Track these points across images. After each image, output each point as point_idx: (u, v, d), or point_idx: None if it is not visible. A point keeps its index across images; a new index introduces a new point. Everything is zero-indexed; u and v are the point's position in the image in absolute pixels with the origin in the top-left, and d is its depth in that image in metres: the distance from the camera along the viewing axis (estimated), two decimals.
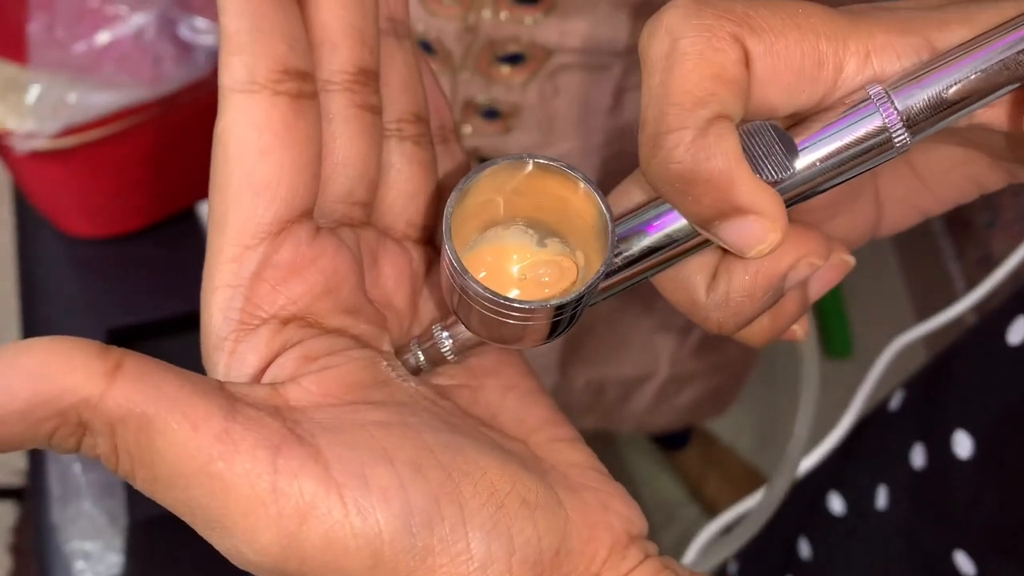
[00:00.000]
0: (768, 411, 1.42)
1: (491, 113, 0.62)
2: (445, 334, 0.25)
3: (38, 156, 0.65)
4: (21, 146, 0.63)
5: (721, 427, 1.40)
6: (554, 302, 0.22)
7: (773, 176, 0.22)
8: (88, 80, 0.64)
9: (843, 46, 0.22)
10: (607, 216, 0.23)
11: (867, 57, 0.22)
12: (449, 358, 0.25)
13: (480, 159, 0.65)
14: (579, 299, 0.22)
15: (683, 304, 0.26)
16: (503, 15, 0.56)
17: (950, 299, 0.55)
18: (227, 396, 0.21)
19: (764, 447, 1.38)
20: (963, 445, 0.42)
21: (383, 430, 0.21)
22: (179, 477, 0.20)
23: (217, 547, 0.21)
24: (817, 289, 0.27)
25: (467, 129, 0.64)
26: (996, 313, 0.43)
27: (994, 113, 0.23)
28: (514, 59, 0.59)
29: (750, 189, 0.21)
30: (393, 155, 0.26)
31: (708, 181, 0.21)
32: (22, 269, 0.73)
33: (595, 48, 0.58)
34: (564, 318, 0.23)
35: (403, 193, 0.26)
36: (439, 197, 0.27)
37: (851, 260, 0.27)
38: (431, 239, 0.27)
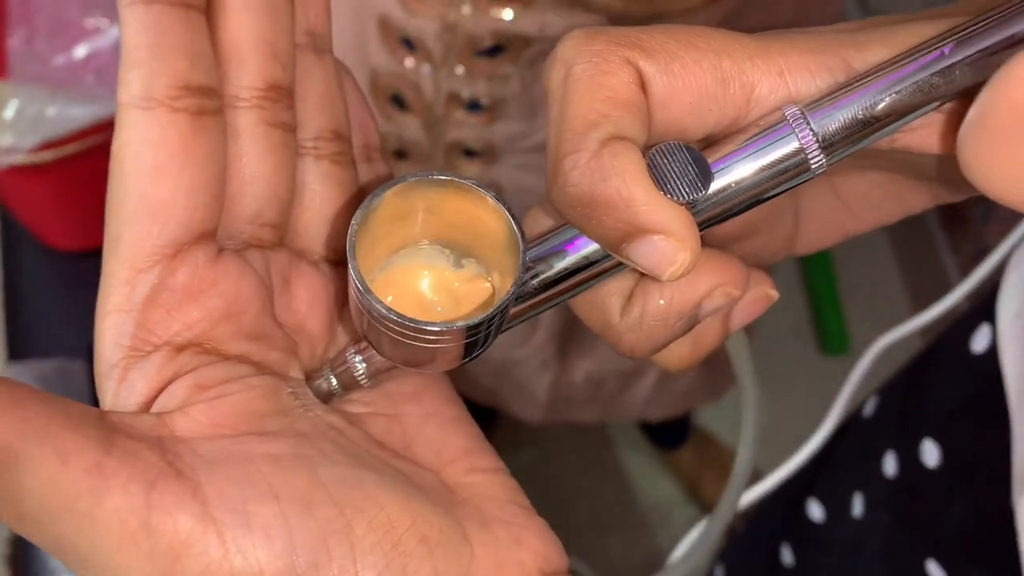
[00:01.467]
0: (766, 408, 1.41)
1: (474, 106, 0.62)
2: (358, 358, 0.24)
3: (18, 170, 0.65)
4: (0, 160, 0.63)
5: (718, 426, 1.39)
6: (461, 323, 0.21)
7: (686, 197, 0.21)
8: (67, 93, 0.64)
9: (751, 65, 0.22)
10: (518, 235, 0.22)
11: (780, 76, 0.22)
12: (363, 383, 0.24)
13: (466, 152, 0.65)
14: (489, 320, 0.22)
15: (597, 325, 0.25)
16: (482, 11, 0.56)
17: (945, 290, 0.55)
18: (105, 428, 0.20)
19: (761, 446, 1.38)
20: (931, 454, 0.42)
21: (272, 464, 0.20)
22: (46, 513, 0.19)
23: None
24: (738, 320, 0.27)
25: (464, 137, 0.64)
26: (961, 321, 0.43)
27: (920, 135, 0.22)
28: (493, 51, 0.59)
29: (651, 208, 0.21)
30: (308, 175, 0.25)
31: (606, 203, 0.21)
32: (4, 281, 0.73)
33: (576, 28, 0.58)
34: (478, 339, 0.22)
35: (319, 214, 0.25)
36: None
37: (774, 294, 0.26)
38: (340, 258, 0.26)
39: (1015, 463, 0.35)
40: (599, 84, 0.21)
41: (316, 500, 0.20)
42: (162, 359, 0.22)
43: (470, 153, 0.65)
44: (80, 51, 0.65)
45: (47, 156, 0.64)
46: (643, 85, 0.21)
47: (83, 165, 0.66)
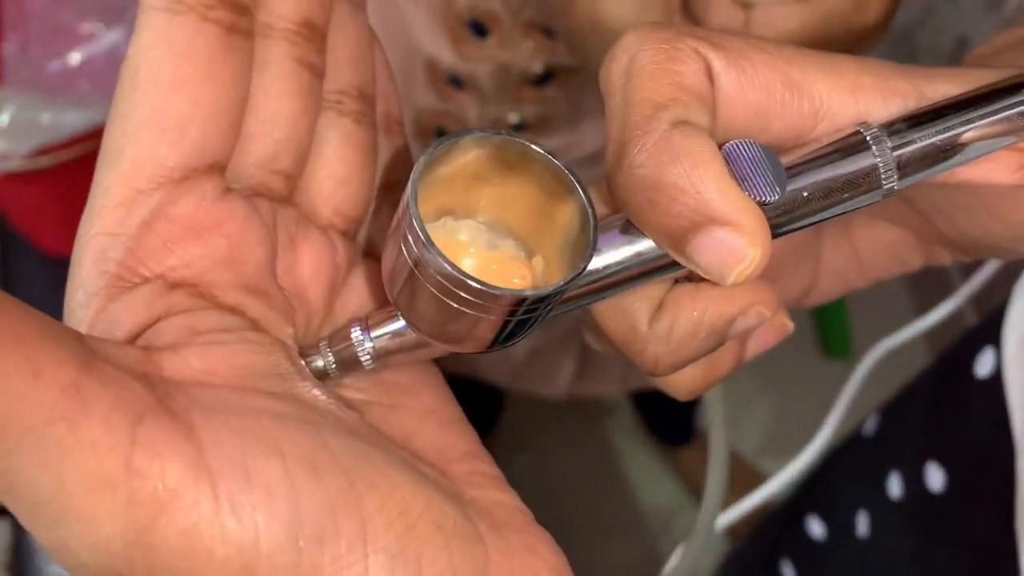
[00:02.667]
0: (769, 412, 1.41)
1: (519, 127, 0.61)
2: (365, 335, 0.22)
3: (12, 176, 0.64)
4: None
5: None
6: (528, 292, 0.19)
7: (761, 196, 0.20)
8: (62, 99, 0.64)
9: (822, 78, 0.21)
10: (590, 214, 0.20)
11: (852, 94, 0.21)
12: (366, 364, 0.22)
13: None
14: (549, 295, 0.19)
15: (621, 332, 0.24)
16: (537, 49, 0.55)
17: (948, 294, 0.54)
18: (85, 348, 0.16)
19: (765, 448, 1.37)
20: (935, 478, 0.41)
21: (276, 421, 0.18)
22: (5, 436, 0.15)
23: (40, 540, 0.16)
24: (753, 348, 0.26)
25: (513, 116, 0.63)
26: (964, 343, 0.42)
27: (984, 168, 0.22)
28: (542, 79, 0.58)
29: (724, 196, 0.19)
30: (329, 130, 0.23)
31: (675, 185, 0.19)
32: (1, 287, 0.72)
33: None
34: (521, 320, 0.20)
35: (334, 174, 0.23)
36: (372, 187, 0.24)
37: (790, 325, 0.25)
38: (356, 234, 0.24)
39: (1019, 490, 0.35)
40: (667, 70, 0.20)
41: (325, 465, 0.17)
42: (151, 294, 0.19)
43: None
44: (75, 57, 0.64)
45: (42, 162, 0.64)
46: (711, 77, 0.20)
47: (78, 171, 0.66)
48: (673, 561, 0.46)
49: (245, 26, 0.20)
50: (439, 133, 0.61)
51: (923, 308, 0.53)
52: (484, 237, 0.22)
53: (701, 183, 0.19)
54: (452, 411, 0.24)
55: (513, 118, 0.60)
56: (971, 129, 0.21)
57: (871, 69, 0.21)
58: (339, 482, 0.17)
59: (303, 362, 0.22)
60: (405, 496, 0.18)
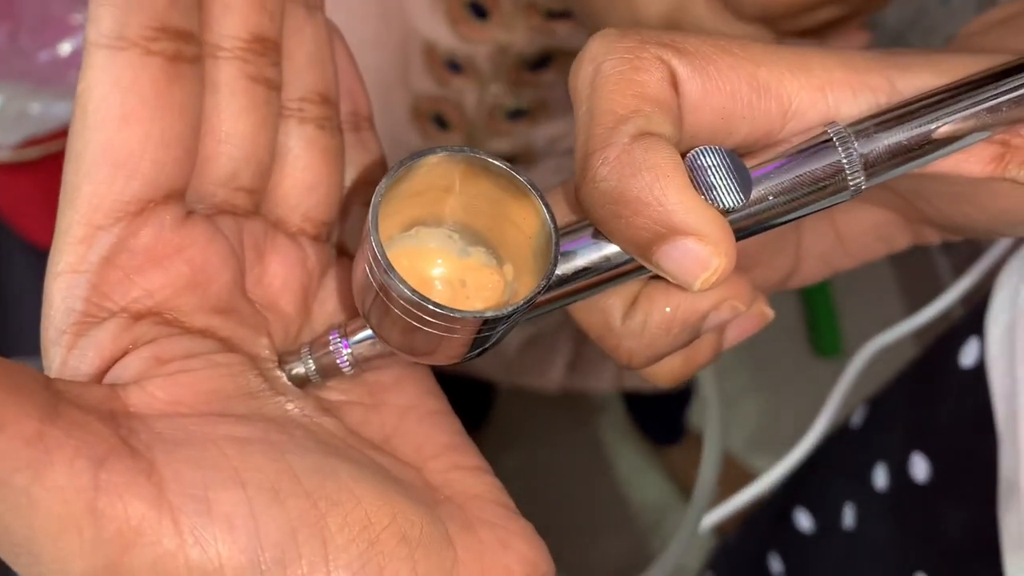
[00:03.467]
0: (758, 410, 1.41)
1: (516, 114, 0.61)
2: (343, 343, 0.22)
3: (1, 167, 0.64)
4: None
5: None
6: (489, 314, 0.20)
7: (725, 204, 0.20)
8: (52, 90, 0.63)
9: (790, 77, 0.21)
10: (551, 228, 0.20)
11: (821, 91, 0.21)
12: (345, 371, 0.22)
13: (504, 158, 0.63)
14: (512, 314, 0.20)
15: (596, 328, 0.24)
16: (536, 31, 0.55)
17: (937, 293, 0.55)
18: (50, 395, 0.17)
19: (754, 446, 1.38)
20: (920, 468, 0.41)
21: (237, 447, 0.18)
22: None
23: None
24: (733, 337, 0.26)
25: (503, 146, 0.63)
26: (950, 334, 0.42)
27: (954, 161, 0.22)
28: (540, 63, 0.58)
29: (685, 206, 0.19)
30: (291, 138, 0.23)
31: (637, 200, 0.19)
32: None
33: None
34: (491, 334, 0.21)
35: (300, 182, 0.23)
36: (342, 189, 0.24)
37: (770, 312, 0.26)
38: (329, 237, 0.25)
39: (1001, 479, 0.35)
40: (630, 80, 0.20)
41: (286, 489, 0.18)
42: (117, 327, 0.20)
43: (508, 159, 0.63)
44: (65, 47, 0.64)
45: (31, 153, 0.64)
46: (675, 85, 0.20)
47: None
48: (662, 557, 0.46)
49: (191, 53, 0.21)
50: (436, 119, 0.61)
51: (913, 307, 0.53)
52: (455, 245, 0.22)
53: (663, 195, 0.19)
54: (434, 403, 0.24)
55: (510, 104, 0.60)
56: (940, 126, 0.21)
57: (843, 62, 0.21)
58: (301, 504, 0.18)
59: (282, 371, 0.22)
60: (368, 511, 0.19)
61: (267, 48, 0.22)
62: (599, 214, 0.20)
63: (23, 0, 0.65)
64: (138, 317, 0.20)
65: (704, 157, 0.20)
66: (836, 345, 1.45)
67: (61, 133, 0.63)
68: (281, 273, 0.23)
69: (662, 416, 1.35)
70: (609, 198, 0.20)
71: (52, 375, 0.20)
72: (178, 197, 0.21)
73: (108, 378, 0.20)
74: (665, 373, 0.26)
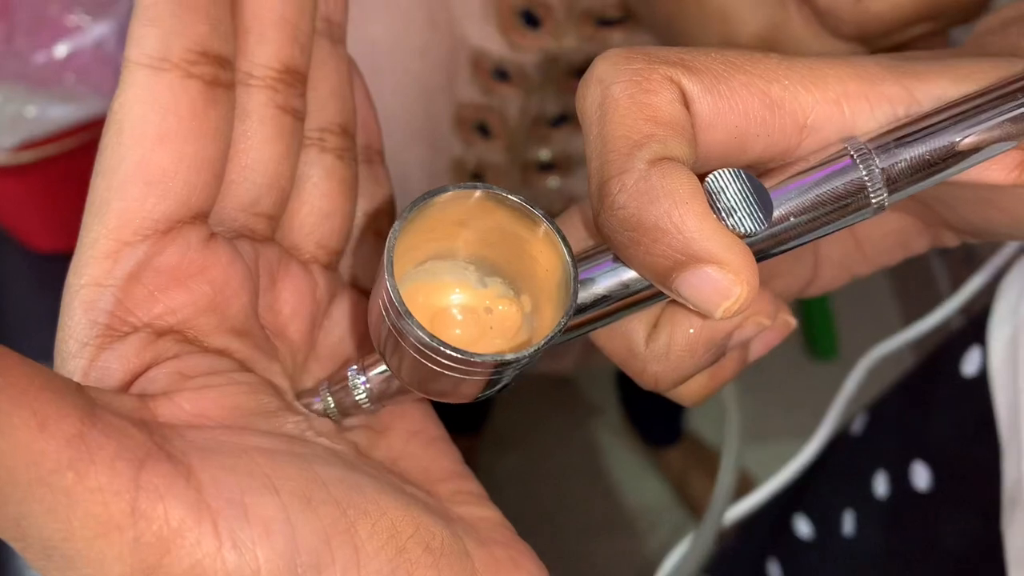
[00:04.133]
0: (755, 414, 1.41)
1: (560, 120, 0.60)
2: (362, 379, 0.22)
3: None
4: None
5: (707, 428, 1.39)
6: (508, 357, 0.19)
7: (745, 229, 0.19)
8: (48, 93, 0.63)
9: (804, 92, 0.20)
10: (570, 263, 0.20)
11: (837, 104, 0.20)
12: (364, 407, 0.22)
13: (542, 166, 0.63)
14: (532, 355, 0.20)
15: (618, 353, 0.24)
16: (587, 40, 0.55)
17: (933, 296, 0.54)
18: (86, 398, 0.17)
19: (751, 451, 1.38)
20: (921, 477, 0.41)
21: (268, 457, 0.19)
22: (15, 487, 0.16)
23: None
24: (758, 350, 0.26)
25: (544, 154, 0.62)
26: (951, 342, 0.42)
27: (979, 169, 0.22)
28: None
29: (705, 234, 0.19)
30: (311, 167, 0.24)
31: (655, 227, 0.19)
32: None
33: None
34: (509, 374, 0.20)
35: (317, 210, 0.24)
36: (353, 219, 0.25)
37: (793, 321, 0.25)
38: (338, 265, 0.25)
39: (1004, 490, 0.35)
40: (641, 103, 0.19)
41: (317, 497, 0.18)
42: (141, 342, 0.20)
43: (546, 167, 0.63)
44: (61, 49, 0.64)
45: (27, 157, 0.63)
46: (687, 105, 0.20)
47: (64, 166, 0.65)
48: (672, 563, 0.46)
49: (227, 79, 0.21)
50: (479, 128, 0.60)
51: (909, 310, 0.53)
52: (472, 277, 0.22)
53: (682, 222, 0.19)
54: (435, 430, 0.24)
55: (553, 111, 0.59)
56: (963, 139, 0.20)
57: (858, 74, 0.21)
58: (332, 512, 0.18)
59: (299, 403, 0.22)
60: (394, 520, 0.19)
61: (296, 79, 0.23)
62: (617, 241, 0.20)
63: (18, 1, 0.64)
64: (161, 334, 0.21)
65: (722, 180, 0.20)
66: (832, 348, 1.45)
67: (57, 136, 0.63)
68: (292, 301, 0.23)
69: (658, 418, 1.35)
70: (627, 225, 0.19)
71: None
72: (204, 218, 0.21)
73: (134, 390, 0.20)
74: (692, 393, 0.26)
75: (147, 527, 0.17)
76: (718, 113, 0.20)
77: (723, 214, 0.20)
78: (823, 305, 1.48)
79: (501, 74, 0.57)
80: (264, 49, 0.22)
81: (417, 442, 0.23)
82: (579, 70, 0.57)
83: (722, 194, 0.20)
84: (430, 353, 0.19)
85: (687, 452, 1.36)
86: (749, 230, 0.20)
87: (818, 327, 1.47)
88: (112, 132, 0.20)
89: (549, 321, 0.21)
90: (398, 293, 0.19)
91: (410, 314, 0.19)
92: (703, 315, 0.21)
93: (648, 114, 0.19)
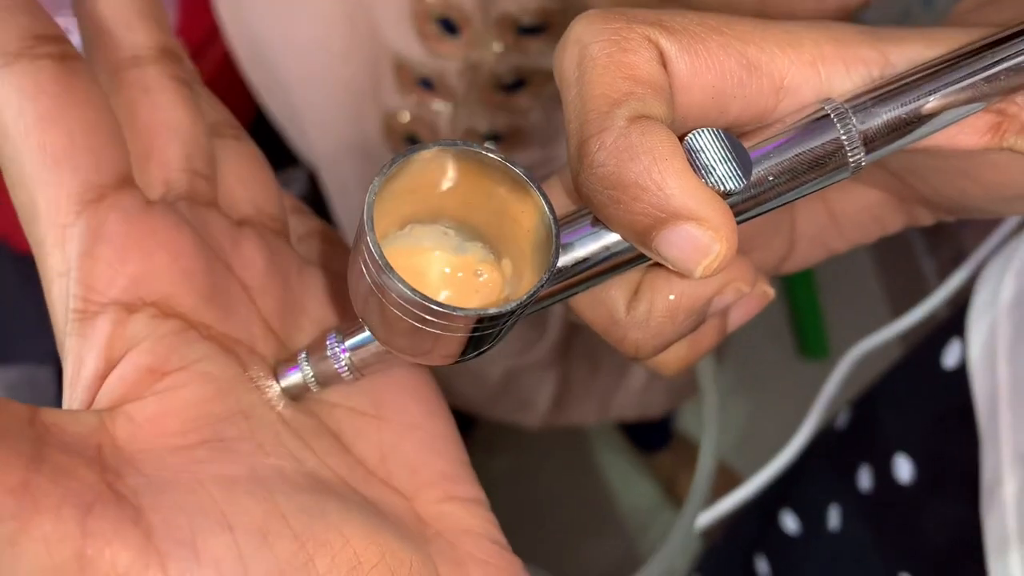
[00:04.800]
0: (745, 412, 1.41)
1: (493, 138, 0.60)
2: (340, 347, 0.22)
3: None
4: None
5: (698, 429, 1.39)
6: (490, 311, 0.19)
7: (725, 187, 0.20)
8: None
9: (780, 54, 0.20)
10: (551, 221, 0.20)
11: (813, 66, 0.21)
12: (344, 376, 0.22)
13: None
14: (513, 311, 0.20)
15: (600, 321, 0.24)
16: (508, 48, 0.55)
17: (922, 294, 0.55)
18: (35, 436, 0.17)
19: (740, 448, 1.38)
20: (904, 469, 0.41)
21: (225, 490, 0.19)
22: None
23: None
24: (736, 319, 0.26)
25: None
26: (932, 336, 0.43)
27: (951, 134, 0.22)
28: (515, 85, 0.57)
29: (684, 190, 0.19)
30: (217, 151, 0.24)
31: (636, 183, 0.19)
32: None
33: None
34: (491, 332, 0.20)
35: (240, 179, 0.24)
36: (276, 184, 0.26)
37: (771, 292, 0.25)
38: (287, 236, 0.25)
39: (983, 481, 0.35)
40: (619, 62, 0.20)
41: (274, 531, 0.18)
42: (110, 323, 0.20)
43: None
44: None
45: None
46: (665, 65, 0.20)
47: None
48: (651, 562, 0.46)
49: (72, 52, 0.22)
50: (409, 138, 0.60)
51: (898, 306, 0.53)
52: (452, 242, 0.22)
53: (662, 179, 0.19)
54: (438, 426, 0.24)
55: (484, 127, 0.59)
56: (937, 98, 0.21)
57: (834, 36, 0.21)
58: (289, 546, 0.18)
59: (279, 382, 0.22)
60: (357, 549, 0.19)
61: (175, 57, 0.24)
62: (597, 200, 0.20)
63: None
64: (131, 310, 0.20)
65: (702, 139, 0.20)
66: (823, 347, 1.46)
67: None
68: (260, 258, 0.23)
69: (648, 424, 1.35)
70: (607, 183, 0.19)
71: (65, 384, 0.21)
72: (130, 183, 0.21)
73: (103, 389, 0.20)
74: (672, 361, 0.26)
75: (94, 573, 0.17)
76: (695, 73, 0.20)
77: (703, 172, 0.20)
78: (812, 304, 1.48)
79: (426, 83, 0.57)
80: (137, 35, 0.23)
81: (413, 438, 0.23)
82: (504, 83, 0.57)
83: (702, 152, 0.20)
84: (411, 308, 0.19)
85: (677, 454, 1.36)
86: (729, 188, 0.20)
87: (807, 325, 1.47)
88: (1, 140, 0.21)
89: (530, 284, 0.20)
90: (379, 247, 0.19)
91: (391, 268, 0.19)
92: (683, 275, 0.21)
93: (627, 72, 0.19)
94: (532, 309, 0.22)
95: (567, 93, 0.20)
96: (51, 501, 0.17)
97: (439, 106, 0.58)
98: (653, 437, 1.36)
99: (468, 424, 1.27)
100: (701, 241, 0.19)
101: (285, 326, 0.23)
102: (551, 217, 0.20)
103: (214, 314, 0.21)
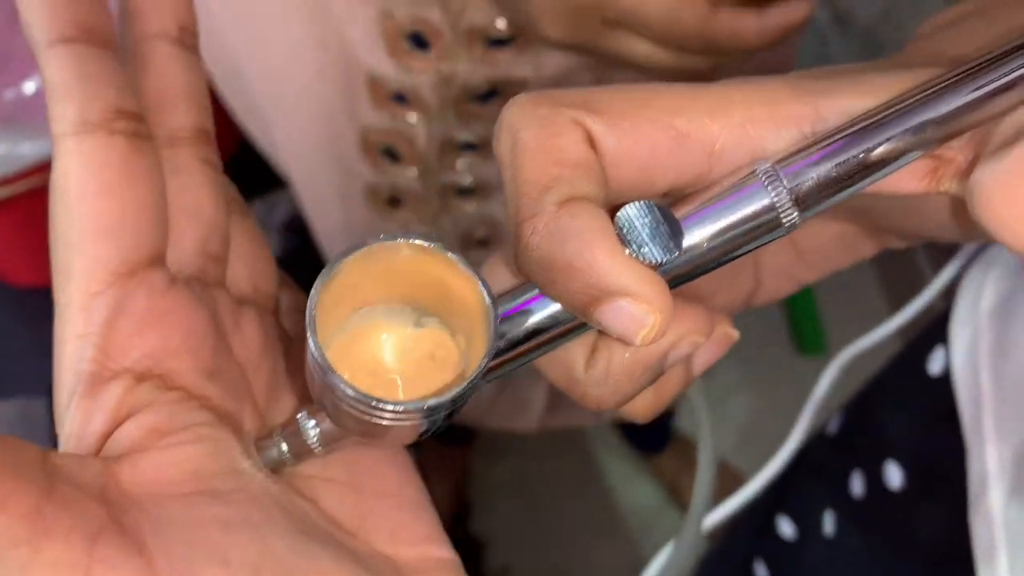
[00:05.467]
0: (744, 410, 1.42)
1: (469, 147, 0.61)
2: (311, 423, 0.23)
3: None
4: None
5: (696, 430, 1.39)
6: (430, 402, 0.20)
7: (658, 258, 0.20)
8: (17, 129, 0.63)
9: (709, 120, 0.21)
10: (489, 304, 0.21)
11: (743, 128, 0.21)
12: (315, 450, 0.23)
13: (460, 191, 0.63)
14: (458, 398, 0.21)
15: (560, 380, 0.25)
16: (478, 60, 0.55)
17: (921, 286, 0.55)
18: (47, 471, 0.19)
19: (740, 446, 1.38)
20: (894, 476, 0.41)
21: (221, 529, 0.20)
22: None
23: None
24: (701, 363, 0.26)
25: (464, 179, 0.62)
26: (917, 341, 0.43)
27: (891, 180, 0.22)
28: (488, 95, 0.57)
29: (616, 269, 0.20)
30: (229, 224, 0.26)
31: (569, 265, 0.20)
32: None
33: (568, 72, 0.57)
34: (441, 416, 0.21)
35: (242, 258, 0.25)
36: (275, 264, 0.27)
37: (734, 333, 0.26)
38: (276, 312, 0.26)
39: (971, 487, 0.35)
40: (547, 147, 0.20)
41: (267, 568, 0.19)
42: (121, 389, 0.21)
43: (464, 192, 0.63)
44: (30, 86, 0.64)
45: (0, 193, 0.63)
46: (593, 144, 0.21)
47: (38, 202, 0.65)
48: (660, 560, 0.46)
49: (145, 131, 0.23)
50: (386, 152, 0.61)
51: (895, 302, 0.53)
52: (409, 318, 0.23)
53: (593, 259, 0.20)
54: (413, 493, 0.25)
55: (461, 138, 0.59)
56: (867, 153, 0.21)
57: (764, 96, 0.21)
58: None
59: (260, 456, 0.23)
60: None
61: (208, 138, 0.25)
62: (536, 279, 0.21)
63: None
64: (140, 379, 0.22)
65: (632, 212, 0.21)
66: (820, 343, 1.46)
67: (29, 172, 0.63)
68: (257, 338, 0.25)
69: (647, 426, 1.35)
70: (543, 265, 0.20)
71: (63, 439, 0.22)
72: (161, 263, 0.23)
73: (109, 444, 0.21)
74: (639, 410, 0.27)
75: None
76: (624, 149, 0.21)
77: (634, 246, 0.20)
78: (808, 301, 1.48)
79: (399, 97, 0.57)
80: (178, 115, 0.24)
81: (390, 504, 0.24)
82: (476, 93, 0.57)
83: (632, 227, 0.20)
84: (359, 405, 0.20)
85: (678, 455, 1.36)
86: (660, 259, 0.20)
87: (804, 323, 1.47)
88: (57, 199, 0.22)
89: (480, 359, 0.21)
90: (320, 350, 0.20)
91: (333, 369, 0.20)
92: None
93: (555, 156, 0.20)
94: (491, 378, 0.23)
95: (504, 177, 0.21)
96: (61, 528, 0.18)
97: (414, 119, 0.58)
98: (653, 439, 1.36)
99: (468, 435, 1.27)
100: (636, 314, 0.20)
101: (269, 403, 0.24)
102: (489, 303, 0.21)
103: (213, 390, 0.23)
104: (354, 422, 0.21)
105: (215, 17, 0.59)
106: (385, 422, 0.21)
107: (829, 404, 0.55)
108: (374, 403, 0.20)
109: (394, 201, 0.64)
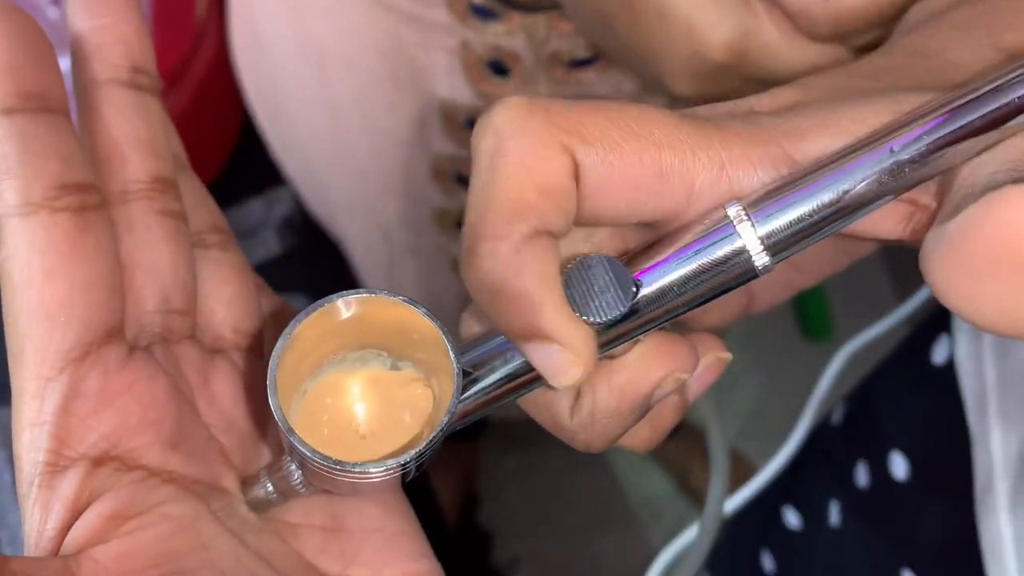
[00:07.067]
0: (751, 396, 1.41)
1: None
2: (294, 465, 0.23)
3: None
4: None
5: (704, 418, 1.39)
6: (391, 462, 0.21)
7: (603, 318, 0.21)
8: None
9: (692, 158, 0.21)
10: (452, 357, 0.21)
11: (722, 169, 0.21)
12: (300, 491, 0.23)
13: None
14: (421, 454, 0.21)
15: (547, 424, 0.25)
16: (557, 82, 0.54)
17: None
18: None
19: (748, 432, 1.38)
20: (899, 466, 0.41)
21: None
22: None
23: None
24: (695, 390, 0.26)
25: None
26: (920, 330, 0.42)
27: (865, 223, 0.21)
28: None
29: (556, 318, 0.20)
30: (201, 262, 0.25)
31: (515, 300, 0.20)
32: None
33: (645, 91, 0.56)
34: (408, 471, 0.21)
35: (221, 298, 0.25)
36: (258, 300, 0.26)
37: (727, 356, 0.26)
38: (259, 346, 0.26)
39: (977, 480, 0.35)
40: (531, 168, 0.20)
41: None
42: (79, 476, 0.21)
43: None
44: None
45: None
46: (577, 174, 0.20)
47: None
48: (679, 545, 0.47)
49: (94, 202, 0.22)
50: (458, 178, 0.60)
51: (902, 285, 0.53)
52: (386, 362, 0.23)
53: (540, 303, 0.20)
54: (398, 523, 0.25)
55: None
56: (839, 196, 0.20)
57: (746, 137, 0.21)
58: None
59: (246, 496, 0.23)
60: None
61: (167, 186, 0.24)
62: (478, 295, 0.21)
63: None
64: (98, 463, 0.21)
65: (587, 268, 0.21)
66: (827, 329, 1.45)
67: None
68: (229, 391, 0.24)
69: None
70: (490, 287, 0.20)
71: (26, 529, 0.21)
72: (117, 336, 0.22)
73: (70, 536, 0.21)
74: (637, 443, 0.27)
75: None
76: (609, 183, 0.21)
77: (584, 301, 0.21)
78: (815, 288, 1.48)
79: (473, 123, 0.57)
80: (129, 167, 0.24)
81: (374, 541, 0.24)
82: None
83: (584, 282, 0.21)
84: (320, 467, 0.21)
85: (687, 443, 1.36)
86: (608, 316, 0.21)
87: (811, 308, 1.47)
88: (5, 283, 0.21)
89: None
90: (282, 413, 0.21)
91: (293, 431, 0.21)
92: (617, 372, 0.23)
93: (536, 180, 0.20)
94: (467, 422, 0.23)
95: (476, 176, 0.21)
96: None
97: None
98: None
99: (476, 426, 1.27)
100: (561, 363, 0.21)
101: (252, 449, 0.24)
102: (453, 357, 0.21)
103: (177, 460, 0.22)
104: (320, 480, 0.22)
105: (273, 61, 0.58)
106: (350, 479, 0.21)
107: (836, 393, 0.55)
108: (337, 465, 0.21)
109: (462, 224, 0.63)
